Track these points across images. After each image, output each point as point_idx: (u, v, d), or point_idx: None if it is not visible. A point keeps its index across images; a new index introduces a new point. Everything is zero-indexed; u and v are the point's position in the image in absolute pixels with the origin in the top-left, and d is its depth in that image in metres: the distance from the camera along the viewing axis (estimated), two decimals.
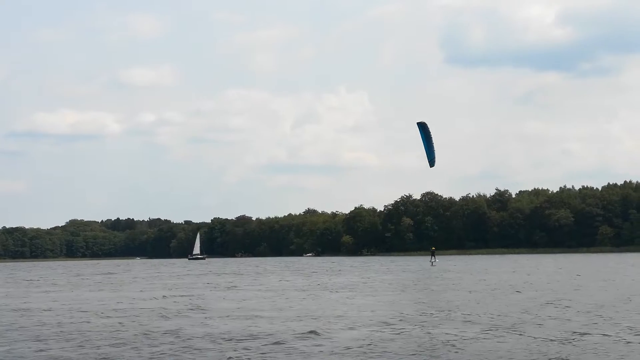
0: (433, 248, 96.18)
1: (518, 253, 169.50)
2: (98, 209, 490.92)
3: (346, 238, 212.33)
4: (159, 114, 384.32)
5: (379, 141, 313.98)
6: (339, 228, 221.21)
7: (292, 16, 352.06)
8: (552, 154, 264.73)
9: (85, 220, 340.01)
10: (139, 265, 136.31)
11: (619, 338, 18.89)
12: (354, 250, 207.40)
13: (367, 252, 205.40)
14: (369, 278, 56.58)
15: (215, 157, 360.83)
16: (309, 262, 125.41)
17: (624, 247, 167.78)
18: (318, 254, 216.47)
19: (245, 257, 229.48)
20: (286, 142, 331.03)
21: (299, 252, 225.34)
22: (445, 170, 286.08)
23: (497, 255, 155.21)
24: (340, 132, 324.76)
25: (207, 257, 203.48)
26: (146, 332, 22.08)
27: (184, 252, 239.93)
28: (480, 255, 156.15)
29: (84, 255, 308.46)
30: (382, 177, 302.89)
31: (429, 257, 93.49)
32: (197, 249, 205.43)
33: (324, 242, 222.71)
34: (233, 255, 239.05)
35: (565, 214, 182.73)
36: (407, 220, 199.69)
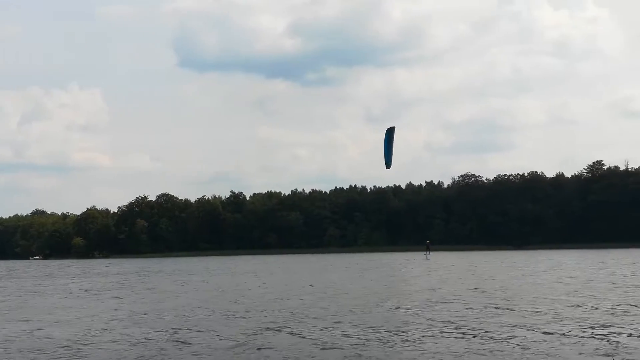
0: (428, 242, 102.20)
1: (252, 254, 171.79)
2: None
3: (77, 240, 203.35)
4: None
5: (112, 141, 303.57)
6: (70, 230, 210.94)
7: (15, 9, 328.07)
8: (283, 158, 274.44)
9: None
10: None
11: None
12: (85, 252, 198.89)
13: (99, 254, 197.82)
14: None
15: None
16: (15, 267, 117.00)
17: (348, 248, 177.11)
18: (46, 256, 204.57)
19: None
20: (10, 139, 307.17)
21: (25, 255, 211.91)
22: (181, 172, 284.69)
23: (234, 257, 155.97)
24: (70, 131, 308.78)
25: None
26: None
27: None
28: (217, 257, 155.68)
29: None
30: (115, 178, 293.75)
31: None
32: None
33: (53, 245, 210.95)
34: None
35: (296, 216, 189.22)
36: (141, 222, 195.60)
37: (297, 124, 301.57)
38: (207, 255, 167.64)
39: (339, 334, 19.54)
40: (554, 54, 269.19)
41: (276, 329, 21.03)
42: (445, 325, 20.92)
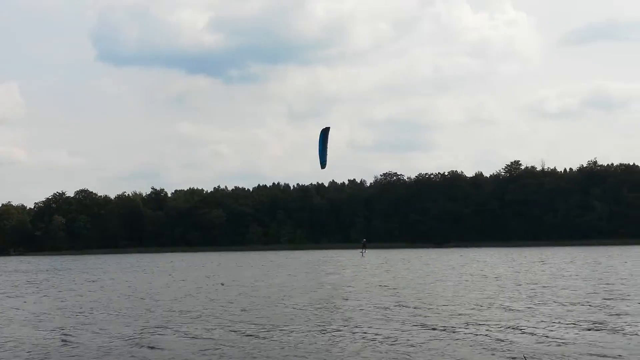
0: (364, 240, 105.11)
1: (174, 251, 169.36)
2: None
3: None
4: None
5: (29, 136, 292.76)
6: None
7: None
8: (205, 155, 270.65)
9: None
10: None
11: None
12: (0, 249, 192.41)
13: (15, 251, 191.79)
14: None
15: None
16: None
17: (271, 245, 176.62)
18: None
19: None
20: None
21: None
22: (101, 168, 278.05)
23: (152, 254, 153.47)
24: None
25: None
26: None
27: None
28: (137, 255, 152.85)
29: None
30: (32, 174, 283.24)
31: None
32: None
33: None
34: None
35: (218, 213, 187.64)
36: (58, 219, 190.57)
37: (220, 120, 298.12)
38: (127, 253, 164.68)
39: (237, 332, 19.37)
40: (473, 55, 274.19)
41: (174, 328, 20.71)
42: (346, 323, 20.96)
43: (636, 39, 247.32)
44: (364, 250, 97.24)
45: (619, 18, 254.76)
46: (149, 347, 17.47)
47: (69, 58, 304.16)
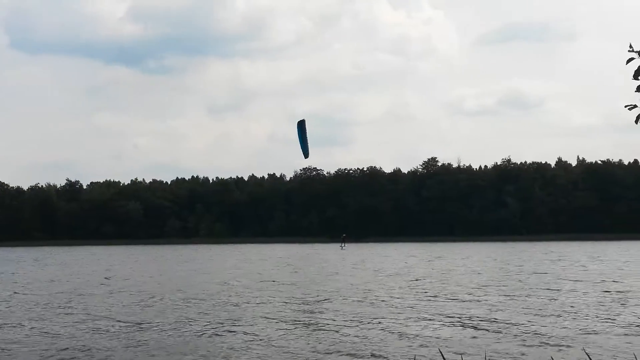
0: (344, 235, 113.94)
1: (88, 244, 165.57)
2: None
3: None
4: None
5: None
6: None
7: None
8: (123, 147, 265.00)
9: None
10: None
11: None
12: None
13: None
14: None
15: None
16: None
17: (190, 239, 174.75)
18: None
19: None
20: None
21: None
22: (14, 159, 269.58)
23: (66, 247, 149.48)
24: None
25: None
26: None
27: None
28: (49, 247, 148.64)
29: None
30: None
31: None
32: None
33: None
34: None
35: (135, 206, 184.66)
36: None
37: (138, 112, 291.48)
38: (40, 246, 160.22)
39: (93, 329, 18.78)
40: (393, 52, 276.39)
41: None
42: (220, 320, 20.66)
43: (549, 39, 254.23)
44: (343, 244, 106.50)
45: (533, 19, 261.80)
46: None
47: None
